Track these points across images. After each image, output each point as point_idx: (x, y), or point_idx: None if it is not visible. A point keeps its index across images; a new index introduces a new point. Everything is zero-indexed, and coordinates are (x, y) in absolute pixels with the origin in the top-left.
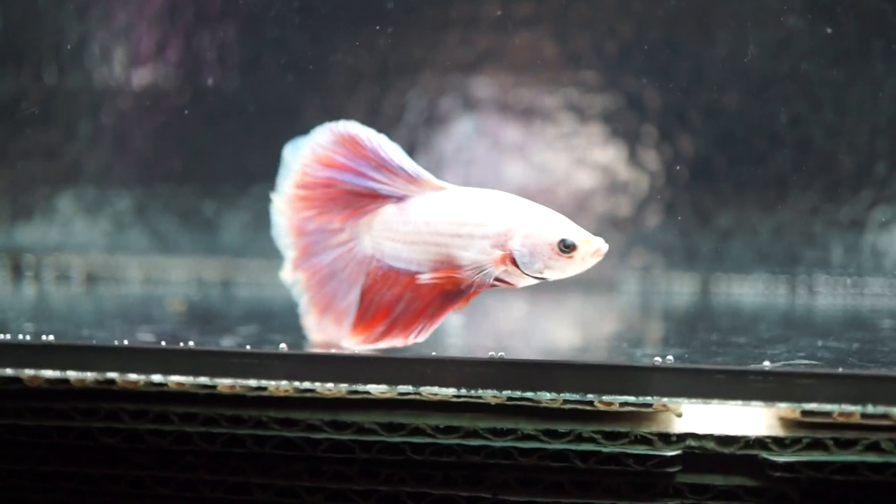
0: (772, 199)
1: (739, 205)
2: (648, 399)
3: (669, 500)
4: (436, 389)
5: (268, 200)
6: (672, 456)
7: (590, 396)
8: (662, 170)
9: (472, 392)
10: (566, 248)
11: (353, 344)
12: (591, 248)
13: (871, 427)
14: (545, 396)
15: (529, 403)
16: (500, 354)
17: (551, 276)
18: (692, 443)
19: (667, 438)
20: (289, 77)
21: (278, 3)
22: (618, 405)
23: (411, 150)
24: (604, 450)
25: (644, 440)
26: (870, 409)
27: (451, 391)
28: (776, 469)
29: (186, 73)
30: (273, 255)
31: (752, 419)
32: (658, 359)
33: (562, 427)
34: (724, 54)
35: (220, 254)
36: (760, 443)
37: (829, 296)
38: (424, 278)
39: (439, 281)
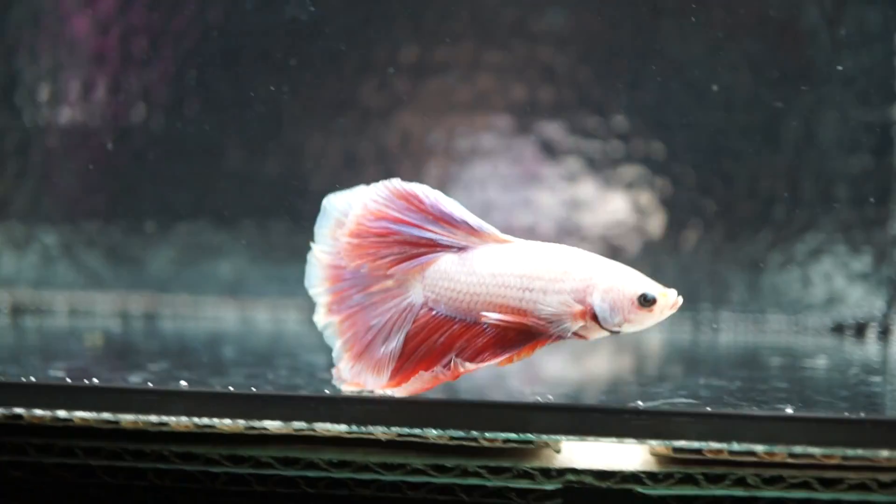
0: (677, 239)
1: (646, 244)
2: (529, 436)
3: None
4: (329, 426)
5: (193, 236)
6: (552, 490)
7: (474, 433)
8: (569, 210)
9: (363, 429)
10: (646, 301)
11: (398, 391)
12: (670, 301)
13: (738, 463)
14: (432, 433)
15: (418, 439)
16: (389, 393)
17: (629, 329)
18: (571, 477)
19: (548, 473)
20: (211, 118)
21: (203, 46)
22: (501, 441)
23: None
24: (488, 484)
25: (526, 475)
26: (735, 446)
27: (344, 427)
28: (649, 503)
29: (113, 112)
30: (196, 289)
31: (629, 455)
32: (538, 397)
33: (449, 462)
34: (630, 102)
35: (145, 288)
36: (635, 477)
37: (731, 332)
38: (493, 318)
39: (507, 325)
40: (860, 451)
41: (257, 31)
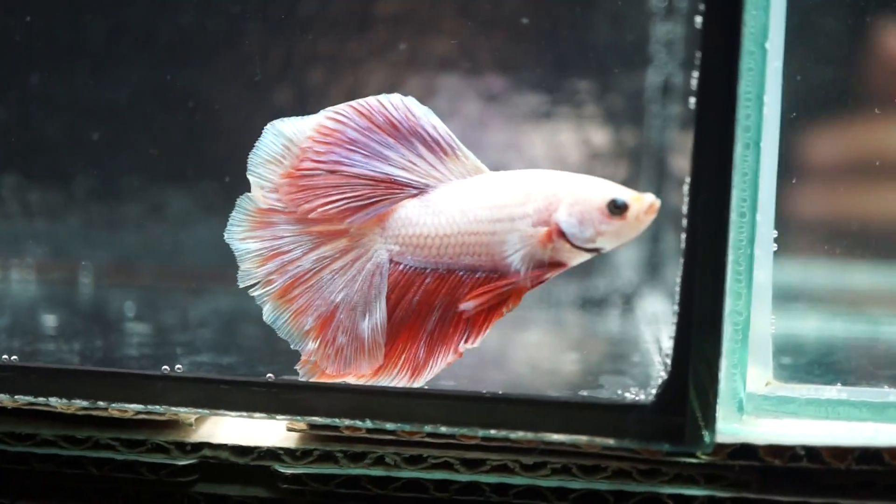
0: None
1: None
2: (157, 408)
3: None
4: None
5: None
6: (187, 465)
7: (101, 403)
8: None
9: None
10: (617, 208)
11: (405, 382)
12: (645, 205)
13: (378, 441)
14: (57, 402)
15: (49, 409)
16: (13, 358)
17: (606, 244)
18: (208, 452)
19: (183, 447)
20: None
21: None
22: (133, 413)
23: None
24: (118, 457)
25: (161, 449)
26: (368, 423)
27: None
28: (285, 481)
29: None
30: None
31: (269, 430)
32: (166, 367)
33: (81, 433)
34: None
35: None
36: (274, 454)
37: None
38: (470, 306)
39: (488, 297)
40: (493, 432)
41: None
